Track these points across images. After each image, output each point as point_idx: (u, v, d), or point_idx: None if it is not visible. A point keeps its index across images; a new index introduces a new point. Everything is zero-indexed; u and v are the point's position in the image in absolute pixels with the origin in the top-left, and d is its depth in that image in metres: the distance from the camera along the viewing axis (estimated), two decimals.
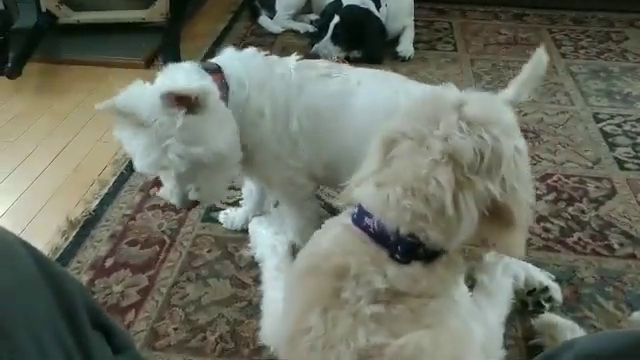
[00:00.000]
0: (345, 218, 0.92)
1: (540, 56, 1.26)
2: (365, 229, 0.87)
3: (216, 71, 1.23)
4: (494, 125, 0.83)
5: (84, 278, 1.43)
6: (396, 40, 2.66)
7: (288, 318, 0.92)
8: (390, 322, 0.82)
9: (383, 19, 2.55)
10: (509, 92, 1.29)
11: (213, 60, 1.31)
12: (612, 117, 2.14)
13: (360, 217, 0.88)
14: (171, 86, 1.11)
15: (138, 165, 1.16)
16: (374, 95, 1.29)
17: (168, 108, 1.09)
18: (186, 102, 1.08)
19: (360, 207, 0.88)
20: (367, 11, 2.48)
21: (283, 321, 0.96)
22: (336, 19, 2.44)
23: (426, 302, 0.85)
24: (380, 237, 0.85)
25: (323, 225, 0.98)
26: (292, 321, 0.89)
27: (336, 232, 0.91)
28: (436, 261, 0.87)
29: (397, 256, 0.85)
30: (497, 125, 0.84)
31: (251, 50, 1.32)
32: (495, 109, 0.89)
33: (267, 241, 1.41)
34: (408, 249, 0.85)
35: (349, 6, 2.46)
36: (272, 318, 1.18)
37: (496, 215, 0.83)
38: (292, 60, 1.31)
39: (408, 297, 0.85)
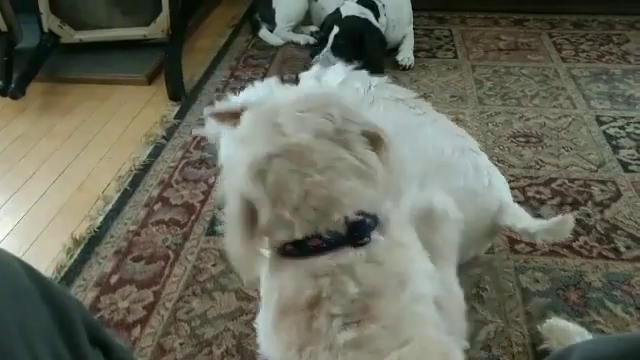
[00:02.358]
0: (279, 264, 0.88)
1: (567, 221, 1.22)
2: (315, 251, 0.83)
3: None
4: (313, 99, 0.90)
5: (89, 295, 1.43)
6: (396, 49, 2.67)
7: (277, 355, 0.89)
8: (368, 343, 0.79)
9: (383, 29, 2.56)
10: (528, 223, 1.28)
11: None
12: (615, 119, 2.13)
13: (301, 248, 0.84)
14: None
15: None
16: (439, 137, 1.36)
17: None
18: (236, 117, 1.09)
19: (292, 244, 0.85)
20: (366, 21, 2.49)
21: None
22: (336, 30, 2.45)
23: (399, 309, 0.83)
24: (336, 241, 0.83)
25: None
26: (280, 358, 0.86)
27: (290, 274, 0.86)
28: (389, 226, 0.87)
29: (360, 241, 0.83)
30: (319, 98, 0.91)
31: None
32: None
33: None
34: (363, 227, 0.84)
35: (348, 17, 2.47)
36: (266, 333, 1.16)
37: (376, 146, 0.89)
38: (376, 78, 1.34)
39: (380, 299, 0.82)
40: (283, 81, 1.74)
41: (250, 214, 0.85)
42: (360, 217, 0.83)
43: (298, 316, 0.83)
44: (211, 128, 1.54)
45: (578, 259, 1.49)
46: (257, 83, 1.61)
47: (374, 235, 0.85)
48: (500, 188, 1.34)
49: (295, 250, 0.85)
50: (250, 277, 0.96)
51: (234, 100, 1.42)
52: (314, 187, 0.82)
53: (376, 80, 1.33)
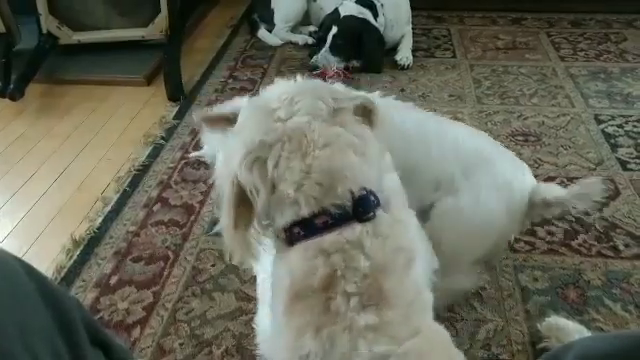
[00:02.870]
0: (287, 251, 0.88)
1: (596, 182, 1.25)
2: (323, 228, 0.84)
3: None
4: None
5: (89, 296, 1.43)
6: (395, 49, 2.67)
7: (282, 351, 0.87)
8: (386, 328, 0.80)
9: (381, 28, 2.56)
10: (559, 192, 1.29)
11: None
12: (613, 118, 2.13)
13: (309, 227, 0.84)
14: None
15: None
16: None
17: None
18: (226, 122, 1.09)
19: (298, 225, 0.85)
20: (365, 21, 2.49)
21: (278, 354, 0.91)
22: (334, 30, 2.46)
23: (410, 300, 0.84)
24: (342, 216, 0.84)
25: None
26: (287, 351, 0.85)
27: (299, 256, 0.85)
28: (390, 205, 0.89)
29: (365, 216, 0.84)
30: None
31: None
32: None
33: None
34: (368, 203, 0.85)
35: (347, 17, 2.48)
36: (266, 334, 1.17)
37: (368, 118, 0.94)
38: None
39: (390, 277, 0.84)
40: None
41: (244, 200, 0.86)
42: (364, 192, 0.85)
43: (312, 299, 0.82)
44: (209, 148, 1.54)
45: (577, 257, 1.50)
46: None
47: (378, 211, 0.86)
48: (526, 168, 1.35)
49: (303, 231, 0.85)
50: (243, 259, 0.95)
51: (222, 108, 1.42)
52: (316, 162, 0.84)
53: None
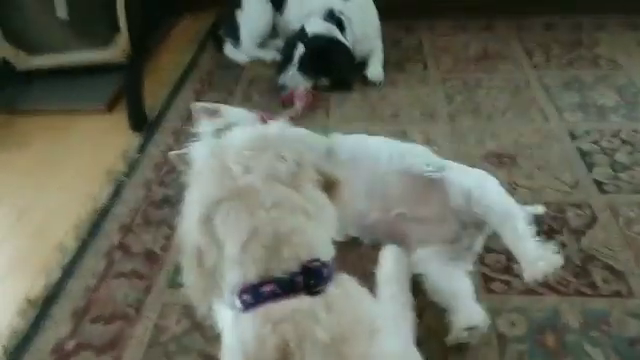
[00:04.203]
0: (239, 319, 0.85)
1: None
2: (270, 296, 0.82)
3: None
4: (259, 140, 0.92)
5: None
6: (364, 62, 2.59)
7: None
8: None
9: (349, 44, 2.48)
10: None
11: None
12: (588, 133, 2.09)
13: (255, 294, 0.82)
14: None
15: None
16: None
17: None
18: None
19: (246, 292, 0.83)
20: (332, 39, 2.41)
21: None
22: (301, 49, 2.37)
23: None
24: (290, 287, 0.82)
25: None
26: None
27: (248, 325, 0.82)
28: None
29: (316, 289, 0.82)
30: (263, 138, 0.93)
31: None
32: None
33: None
34: (320, 275, 0.84)
35: (314, 35, 2.39)
36: None
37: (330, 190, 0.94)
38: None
39: (355, 348, 0.81)
40: None
41: (201, 254, 0.87)
42: (317, 264, 0.84)
43: None
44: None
45: (555, 297, 1.45)
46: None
47: (329, 286, 0.84)
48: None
49: (251, 298, 0.82)
50: (203, 310, 0.97)
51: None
52: (262, 224, 0.83)
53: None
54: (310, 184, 0.90)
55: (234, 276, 0.85)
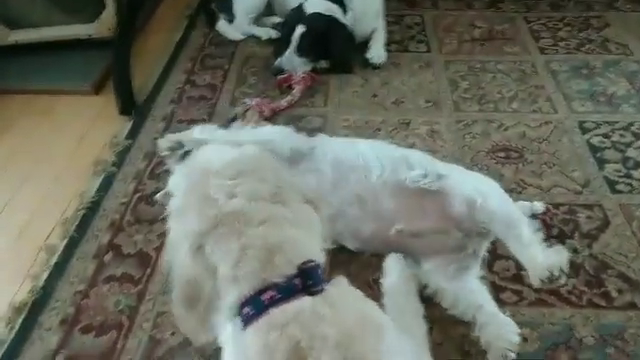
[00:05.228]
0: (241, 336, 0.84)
1: None
2: (271, 303, 0.81)
3: None
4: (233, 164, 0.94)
5: None
6: (365, 43, 2.47)
7: None
8: None
9: (350, 25, 2.36)
10: None
11: None
12: (598, 126, 2.01)
13: (256, 304, 0.82)
14: None
15: None
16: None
17: None
18: None
19: (245, 304, 0.83)
20: (333, 19, 2.28)
21: None
22: (300, 29, 2.25)
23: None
24: (289, 290, 0.82)
25: None
26: None
27: (254, 337, 0.81)
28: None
29: (315, 289, 0.83)
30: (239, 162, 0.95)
31: None
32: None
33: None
34: (317, 275, 0.85)
35: (313, 15, 2.27)
36: None
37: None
38: None
39: (366, 345, 0.82)
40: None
41: (195, 287, 0.88)
42: (312, 264, 0.85)
43: None
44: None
45: (567, 309, 1.39)
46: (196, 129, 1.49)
47: (326, 285, 0.86)
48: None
49: (252, 309, 0.82)
50: (199, 342, 0.99)
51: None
52: (251, 239, 0.84)
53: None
54: (294, 198, 0.93)
55: (231, 294, 0.84)
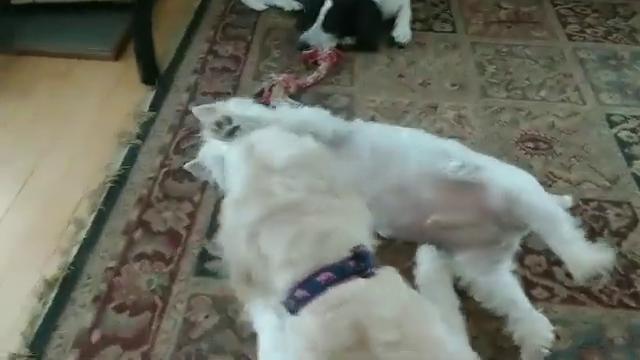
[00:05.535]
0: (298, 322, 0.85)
1: None
2: (327, 285, 0.83)
3: None
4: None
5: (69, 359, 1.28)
6: (391, 21, 2.42)
7: None
8: None
9: (378, 1, 2.30)
10: None
11: None
12: (626, 120, 2.00)
13: (311, 286, 0.83)
14: None
15: None
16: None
17: None
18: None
19: (300, 286, 0.84)
20: None
21: None
22: (328, 4, 2.20)
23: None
24: (344, 271, 0.84)
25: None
26: None
27: (313, 319, 0.82)
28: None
29: (367, 272, 0.85)
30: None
31: None
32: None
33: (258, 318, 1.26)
34: (369, 258, 0.88)
35: None
36: None
37: None
38: None
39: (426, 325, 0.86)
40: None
41: (249, 272, 0.91)
42: (364, 248, 0.88)
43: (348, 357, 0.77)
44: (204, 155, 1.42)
45: (598, 308, 1.40)
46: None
47: (376, 269, 0.88)
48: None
49: (306, 291, 0.84)
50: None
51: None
52: (307, 226, 0.87)
53: None
54: (345, 190, 0.97)
55: (285, 278, 0.86)
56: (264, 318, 1.23)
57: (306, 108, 1.51)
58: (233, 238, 0.93)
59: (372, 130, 1.52)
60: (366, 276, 0.85)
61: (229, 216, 0.97)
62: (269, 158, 0.97)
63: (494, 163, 1.48)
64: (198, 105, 1.53)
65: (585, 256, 1.22)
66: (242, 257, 0.91)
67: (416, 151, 1.44)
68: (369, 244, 0.92)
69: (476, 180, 1.38)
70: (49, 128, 1.94)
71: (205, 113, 1.52)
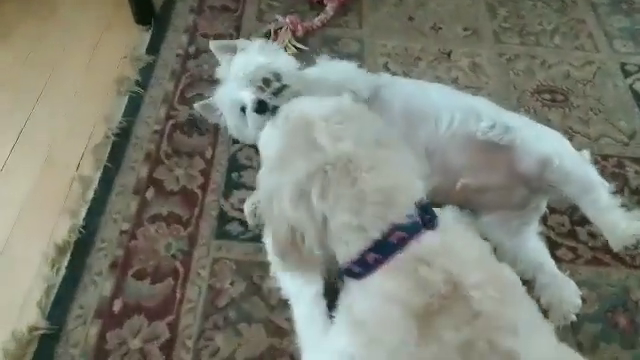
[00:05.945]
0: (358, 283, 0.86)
1: None
2: (399, 244, 0.82)
3: None
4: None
5: (92, 331, 1.22)
6: None
7: None
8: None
9: None
10: None
11: None
12: None
13: (385, 248, 0.83)
14: None
15: None
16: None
17: None
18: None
19: (372, 250, 0.83)
20: None
21: None
22: None
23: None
24: (414, 228, 0.83)
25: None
26: None
27: (393, 280, 0.82)
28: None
29: (432, 223, 0.85)
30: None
31: None
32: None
33: (293, 288, 1.22)
34: (431, 210, 0.88)
35: None
36: None
37: None
38: None
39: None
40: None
41: (294, 235, 0.87)
42: (425, 200, 0.87)
43: (450, 307, 0.77)
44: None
45: (622, 269, 1.41)
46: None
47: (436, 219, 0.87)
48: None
49: (380, 255, 0.82)
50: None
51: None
52: (367, 184, 0.83)
53: None
54: (395, 141, 0.94)
55: (354, 244, 0.84)
56: (298, 287, 1.19)
57: (344, 62, 1.43)
58: (274, 199, 0.88)
59: (400, 88, 1.44)
60: (431, 227, 0.85)
61: (268, 175, 0.93)
62: (309, 109, 0.93)
63: (524, 122, 1.43)
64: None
65: (623, 225, 1.20)
66: (288, 218, 0.86)
67: (447, 111, 1.38)
68: (424, 193, 0.90)
69: (507, 142, 1.34)
70: (38, 73, 1.79)
71: (224, 49, 1.47)
